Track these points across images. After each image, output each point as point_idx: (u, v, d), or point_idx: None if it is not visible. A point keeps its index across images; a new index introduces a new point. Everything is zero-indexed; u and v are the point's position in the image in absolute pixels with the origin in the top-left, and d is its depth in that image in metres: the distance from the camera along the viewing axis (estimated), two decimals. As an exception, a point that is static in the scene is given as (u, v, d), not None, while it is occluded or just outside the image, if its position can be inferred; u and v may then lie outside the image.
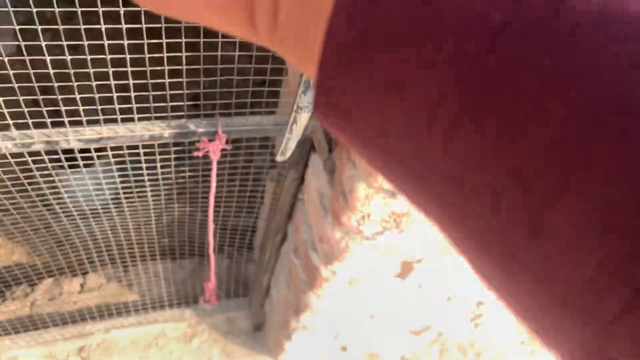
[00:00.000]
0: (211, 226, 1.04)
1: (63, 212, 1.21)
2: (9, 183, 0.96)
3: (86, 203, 1.24)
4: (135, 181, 0.94)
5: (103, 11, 0.62)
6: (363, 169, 0.75)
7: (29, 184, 0.95)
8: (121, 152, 0.84)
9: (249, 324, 1.73)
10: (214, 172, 0.88)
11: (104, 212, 1.29)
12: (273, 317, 1.57)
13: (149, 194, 1.01)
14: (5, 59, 0.65)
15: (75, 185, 1.28)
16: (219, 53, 0.73)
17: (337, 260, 0.94)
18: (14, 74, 0.67)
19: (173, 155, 0.90)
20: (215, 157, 0.84)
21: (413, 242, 0.95)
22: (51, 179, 0.96)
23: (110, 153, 0.84)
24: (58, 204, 1.21)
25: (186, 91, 0.76)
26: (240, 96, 0.85)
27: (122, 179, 0.95)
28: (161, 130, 0.80)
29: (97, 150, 0.83)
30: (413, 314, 1.37)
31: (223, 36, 0.68)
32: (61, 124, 0.76)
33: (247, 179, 1.19)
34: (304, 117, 0.69)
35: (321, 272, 1.03)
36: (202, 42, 0.69)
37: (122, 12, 0.62)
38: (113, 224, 1.30)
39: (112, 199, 1.39)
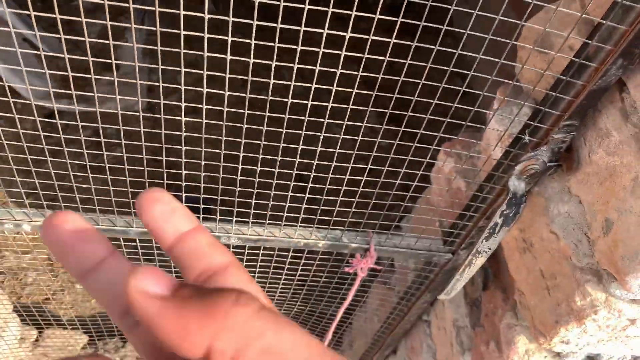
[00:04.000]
0: (329, 338, 1.00)
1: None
2: (124, 250, 0.97)
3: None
4: (271, 280, 0.94)
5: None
6: (529, 322, 0.69)
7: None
8: (271, 252, 0.84)
9: None
10: (354, 288, 0.85)
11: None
12: None
13: (279, 288, 1.00)
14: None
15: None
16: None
17: (468, 405, 0.86)
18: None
19: (317, 262, 0.89)
20: (362, 275, 0.81)
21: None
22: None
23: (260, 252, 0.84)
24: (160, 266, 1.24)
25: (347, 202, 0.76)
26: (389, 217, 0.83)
27: (259, 277, 0.95)
28: (317, 240, 0.79)
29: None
30: None
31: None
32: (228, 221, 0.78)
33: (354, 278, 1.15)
34: (479, 261, 0.66)
35: (442, 409, 0.95)
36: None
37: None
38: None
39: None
